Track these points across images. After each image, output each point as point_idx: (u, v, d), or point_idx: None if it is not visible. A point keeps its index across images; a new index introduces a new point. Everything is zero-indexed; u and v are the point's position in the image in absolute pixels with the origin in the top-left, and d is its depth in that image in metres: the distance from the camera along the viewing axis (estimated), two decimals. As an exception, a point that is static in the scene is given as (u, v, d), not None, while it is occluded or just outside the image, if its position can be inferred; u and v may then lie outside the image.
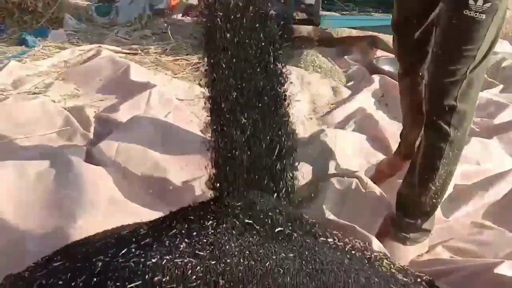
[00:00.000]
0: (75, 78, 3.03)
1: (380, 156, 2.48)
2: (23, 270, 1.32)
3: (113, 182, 1.81)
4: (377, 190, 1.90)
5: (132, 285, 0.97)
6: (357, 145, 2.57)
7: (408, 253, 1.69)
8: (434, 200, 1.66)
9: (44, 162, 1.81)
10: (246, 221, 1.14)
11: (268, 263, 1.01)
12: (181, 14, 5.41)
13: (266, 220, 1.17)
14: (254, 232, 1.10)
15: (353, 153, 2.48)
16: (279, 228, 1.15)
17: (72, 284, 1.07)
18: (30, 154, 1.92)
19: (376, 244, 1.55)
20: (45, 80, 2.99)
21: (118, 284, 0.98)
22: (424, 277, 1.39)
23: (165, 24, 4.55)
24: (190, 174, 2.01)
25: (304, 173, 2.06)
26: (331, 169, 2.13)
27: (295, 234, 1.14)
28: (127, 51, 3.80)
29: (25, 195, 1.66)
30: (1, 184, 1.66)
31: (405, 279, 1.26)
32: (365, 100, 3.18)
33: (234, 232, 1.08)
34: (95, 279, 1.04)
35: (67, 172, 1.74)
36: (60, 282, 1.11)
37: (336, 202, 1.84)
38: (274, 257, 1.03)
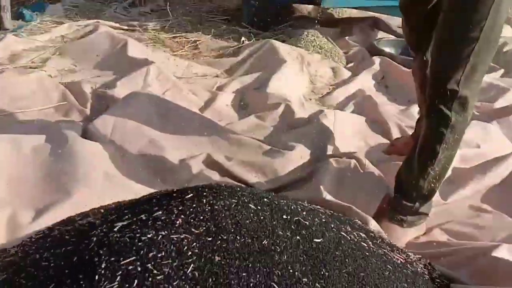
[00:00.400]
0: (72, 53, 2.99)
1: (379, 138, 2.46)
2: (17, 245, 1.31)
3: (109, 158, 1.79)
4: (375, 171, 1.88)
5: (126, 260, 0.96)
6: (356, 126, 2.55)
7: (405, 235, 1.69)
8: (432, 185, 1.64)
9: (40, 136, 1.79)
10: (243, 199, 1.12)
11: (265, 241, 1.00)
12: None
13: (263, 199, 1.16)
14: (251, 210, 1.08)
15: (352, 135, 2.46)
16: (276, 208, 1.14)
17: (66, 259, 1.06)
18: (26, 128, 1.89)
19: (373, 225, 1.54)
20: (42, 55, 2.95)
21: (112, 259, 0.97)
22: (421, 259, 1.38)
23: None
24: (187, 152, 1.99)
25: (302, 153, 2.06)
26: (329, 150, 2.11)
27: (293, 214, 1.12)
28: (125, 28, 3.76)
29: (20, 169, 1.64)
30: (-4, 158, 1.64)
31: (402, 260, 1.26)
32: (365, 81, 3.15)
33: (231, 209, 1.07)
34: (89, 254, 1.03)
35: (63, 147, 1.72)
36: (54, 258, 1.10)
37: (334, 183, 1.83)
38: (271, 235, 1.02)
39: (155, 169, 1.87)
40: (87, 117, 2.20)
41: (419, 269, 1.28)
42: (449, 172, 1.84)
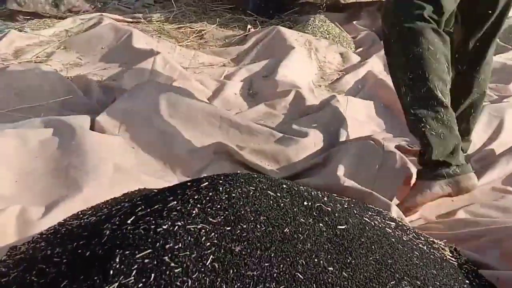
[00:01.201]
0: (77, 47, 2.95)
1: (393, 122, 2.40)
2: (27, 242, 1.27)
3: (118, 150, 1.75)
4: (395, 152, 1.81)
5: (142, 253, 0.91)
6: (368, 111, 2.49)
7: (432, 188, 1.58)
8: (421, 126, 1.56)
9: (48, 130, 1.74)
10: (261, 186, 1.07)
11: (286, 229, 0.95)
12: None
13: (282, 186, 1.11)
14: (270, 197, 1.03)
15: (365, 120, 2.41)
16: (296, 194, 1.08)
17: (79, 254, 1.02)
18: (32, 123, 1.84)
19: (395, 211, 1.48)
20: (47, 49, 2.92)
21: (127, 252, 0.92)
22: (447, 244, 1.33)
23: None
24: (197, 142, 1.94)
25: (315, 140, 2.00)
26: (343, 135, 2.06)
27: (315, 200, 1.07)
28: (129, 20, 3.71)
29: (28, 164, 1.60)
30: (3, 153, 1.60)
31: (427, 245, 1.21)
32: (375, 65, 3.09)
33: (249, 197, 1.01)
34: (102, 248, 0.98)
35: (71, 140, 1.67)
36: (67, 253, 1.06)
37: (351, 166, 1.76)
38: (293, 222, 0.97)
39: (165, 160, 1.82)
40: (95, 110, 2.15)
41: (445, 255, 1.22)
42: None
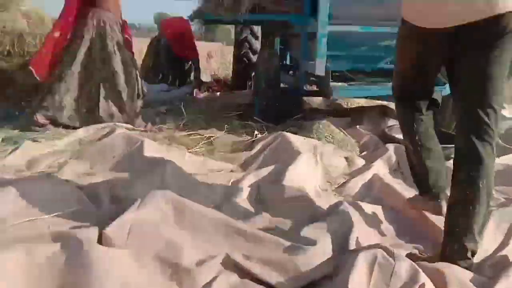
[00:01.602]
0: (90, 156, 3.04)
1: (401, 227, 2.39)
2: None
3: (126, 265, 1.72)
4: (406, 260, 1.78)
5: None
6: (376, 216, 2.48)
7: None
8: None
9: (55, 245, 1.74)
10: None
11: None
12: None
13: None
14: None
15: (374, 225, 2.39)
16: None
17: None
18: (40, 236, 1.85)
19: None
20: (59, 159, 3.00)
21: None
22: None
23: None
24: (204, 252, 1.93)
25: (324, 248, 1.98)
26: (352, 243, 2.04)
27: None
28: (141, 129, 3.86)
29: (35, 281, 1.58)
30: (10, 269, 1.59)
31: None
32: (380, 169, 3.14)
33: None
34: None
35: (77, 255, 1.67)
36: None
37: (362, 278, 1.72)
38: None
39: (172, 273, 1.79)
40: (105, 220, 2.16)
41: None
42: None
